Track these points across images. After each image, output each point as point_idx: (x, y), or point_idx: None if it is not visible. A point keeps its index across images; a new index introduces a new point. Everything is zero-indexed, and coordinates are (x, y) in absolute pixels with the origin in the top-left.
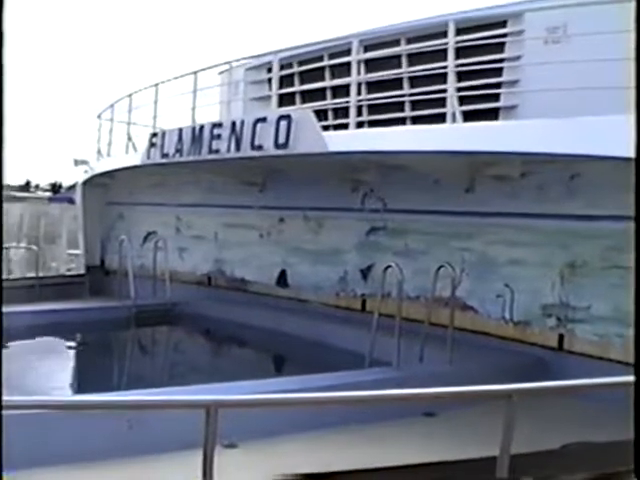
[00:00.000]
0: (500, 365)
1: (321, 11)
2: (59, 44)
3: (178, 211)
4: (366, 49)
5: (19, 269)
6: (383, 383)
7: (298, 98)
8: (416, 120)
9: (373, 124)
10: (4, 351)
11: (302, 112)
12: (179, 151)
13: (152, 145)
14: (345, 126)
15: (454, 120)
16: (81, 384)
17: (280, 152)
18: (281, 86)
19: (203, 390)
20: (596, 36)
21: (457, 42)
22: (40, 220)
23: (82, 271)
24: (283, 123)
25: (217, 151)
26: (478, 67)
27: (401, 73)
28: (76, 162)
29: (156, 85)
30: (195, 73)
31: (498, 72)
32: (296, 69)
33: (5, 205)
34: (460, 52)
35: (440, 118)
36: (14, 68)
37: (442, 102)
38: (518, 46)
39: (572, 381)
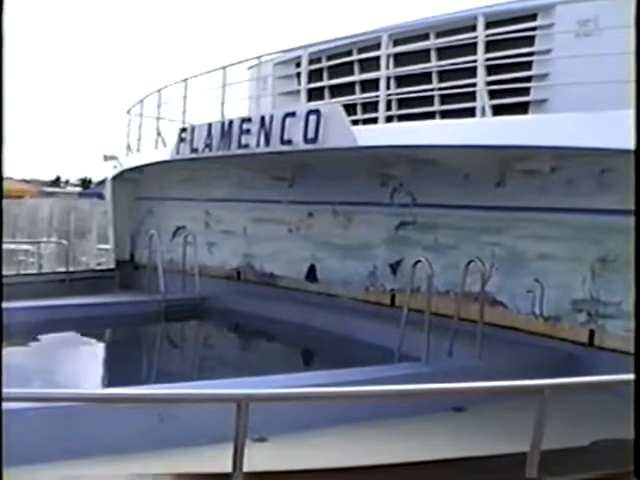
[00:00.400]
0: (530, 360)
1: (350, 5)
2: (90, 40)
3: (207, 206)
4: (395, 43)
5: (49, 264)
6: (412, 378)
7: (327, 93)
8: (445, 114)
9: (402, 118)
10: (35, 344)
11: (331, 106)
12: (208, 146)
13: (181, 140)
14: (374, 120)
15: (484, 114)
16: (111, 378)
17: (309, 147)
18: (310, 81)
19: (233, 384)
20: (628, 29)
21: (487, 35)
22: (70, 215)
23: (112, 266)
24: (312, 118)
25: (246, 146)
26: (508, 61)
27: (430, 67)
28: (106, 157)
29: (185, 80)
30: (224, 68)
31: (528, 65)
32: (325, 63)
33: (36, 200)
34: (490, 45)
35: (469, 112)
36: (45, 64)
37: (472, 96)
38: (548, 39)
39: (604, 377)
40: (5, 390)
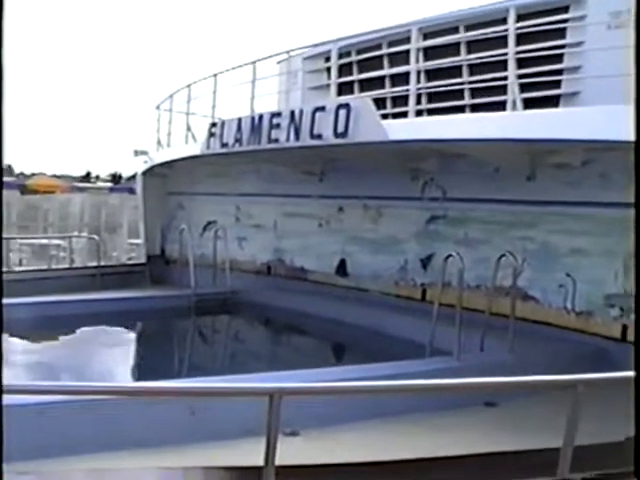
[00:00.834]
0: (561, 356)
1: None
2: (121, 36)
3: (237, 200)
4: (425, 37)
5: (80, 258)
6: (444, 372)
7: (356, 87)
8: (475, 108)
9: (432, 112)
10: (67, 339)
11: (361, 101)
12: (238, 141)
13: (211, 135)
14: (404, 114)
15: (515, 108)
16: (142, 371)
17: (339, 141)
18: (339, 75)
19: (265, 378)
20: None
21: (518, 28)
22: (101, 210)
23: (143, 260)
24: (342, 112)
25: (276, 140)
26: (539, 53)
27: (460, 60)
28: (136, 153)
29: (215, 75)
30: (254, 63)
31: (559, 58)
32: (354, 57)
33: (67, 195)
34: (521, 38)
35: (500, 106)
36: (77, 61)
37: (502, 89)
38: (580, 32)
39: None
40: (38, 383)
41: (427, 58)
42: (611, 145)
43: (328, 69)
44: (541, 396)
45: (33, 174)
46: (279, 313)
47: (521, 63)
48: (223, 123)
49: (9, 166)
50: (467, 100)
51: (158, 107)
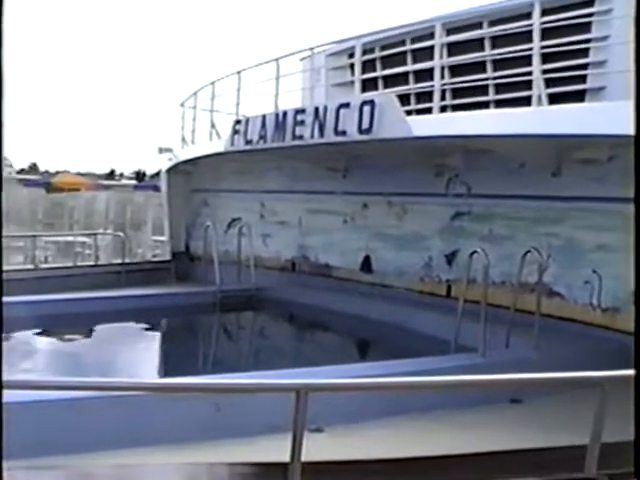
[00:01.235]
0: (588, 352)
1: None
2: (145, 33)
3: (262, 197)
4: (449, 32)
5: (105, 255)
6: (469, 369)
7: (380, 83)
8: (500, 103)
9: (456, 108)
10: (93, 335)
11: (386, 97)
12: (263, 137)
13: (236, 132)
14: (428, 110)
15: (540, 103)
16: (167, 368)
17: (364, 137)
18: (363, 71)
19: (290, 374)
20: None
21: (542, 23)
22: (126, 207)
23: (167, 257)
24: (366, 108)
25: (301, 137)
26: (564, 48)
27: (484, 56)
28: (161, 150)
29: (239, 72)
30: (277, 60)
31: (585, 53)
32: (378, 54)
33: (92, 193)
34: (545, 33)
35: (525, 101)
36: (101, 59)
37: (527, 85)
38: (606, 26)
39: None
40: (64, 379)
41: (451, 54)
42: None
43: (352, 65)
44: (567, 393)
45: (58, 172)
46: (303, 310)
47: (546, 58)
48: (247, 120)
49: (34, 164)
50: (491, 96)
51: (182, 104)
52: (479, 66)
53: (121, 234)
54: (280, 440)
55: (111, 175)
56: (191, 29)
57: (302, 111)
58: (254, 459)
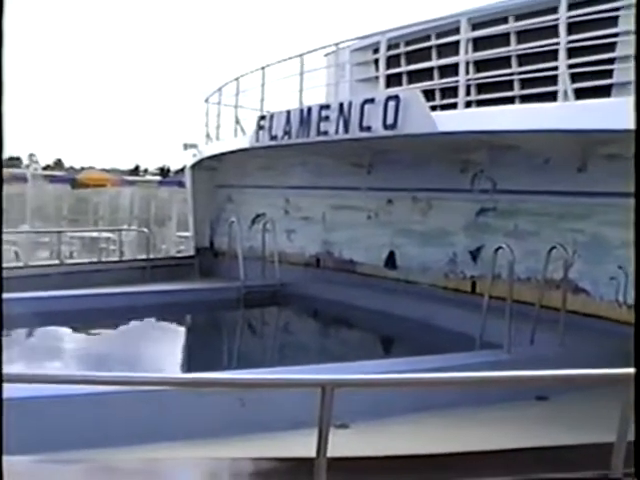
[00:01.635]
0: (613, 349)
1: None
2: (169, 29)
3: (286, 193)
4: (474, 27)
5: (130, 251)
6: (494, 365)
7: (405, 78)
8: (525, 99)
9: (481, 103)
10: (118, 330)
11: (410, 92)
12: (287, 133)
13: (260, 128)
14: (453, 106)
15: (566, 98)
16: (191, 363)
17: (388, 133)
18: (388, 67)
19: (314, 370)
20: None
21: (569, 17)
22: (150, 203)
23: (192, 253)
24: (391, 104)
25: (325, 133)
26: (590, 42)
27: (510, 51)
28: (185, 146)
29: (263, 68)
30: (301, 56)
31: (611, 47)
32: (403, 49)
33: (116, 189)
34: (572, 28)
35: (551, 96)
36: (125, 54)
37: (553, 80)
38: (633, 19)
39: None
40: (90, 373)
41: (476, 49)
42: None
43: (376, 61)
44: (593, 390)
45: (83, 168)
46: (328, 305)
47: (572, 53)
48: (272, 116)
49: (59, 160)
50: (517, 91)
51: (207, 100)
52: (504, 61)
53: (145, 230)
54: (305, 436)
55: (135, 171)
56: (216, 25)
57: (327, 107)
58: (278, 454)
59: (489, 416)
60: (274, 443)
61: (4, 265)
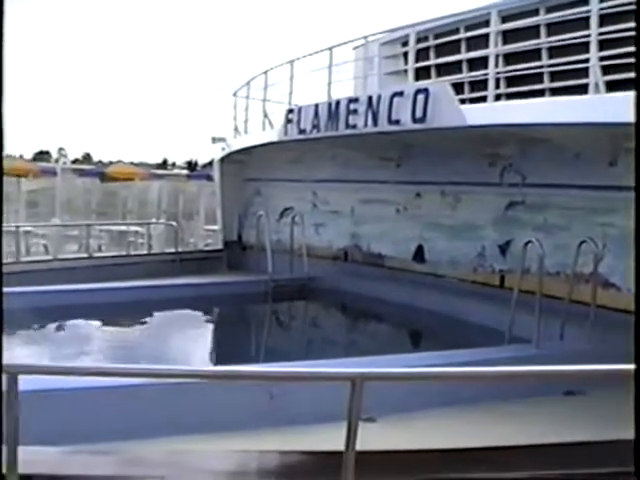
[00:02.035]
0: None
1: None
2: (197, 23)
3: (314, 187)
4: (503, 20)
5: (158, 244)
6: (522, 360)
7: (433, 72)
8: (555, 91)
9: (510, 96)
10: (146, 323)
11: (440, 85)
12: (316, 127)
13: (289, 121)
14: (482, 99)
15: (597, 91)
16: (219, 356)
17: (417, 126)
18: (416, 60)
19: (343, 363)
20: None
21: (600, 9)
22: (178, 197)
23: (220, 246)
24: (420, 97)
25: (354, 126)
26: (622, 34)
27: (540, 43)
28: (214, 140)
29: (291, 62)
30: (330, 49)
31: None
32: (431, 42)
33: (145, 182)
34: (603, 19)
35: (582, 89)
36: (153, 48)
37: (584, 72)
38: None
39: None
40: (120, 366)
41: (506, 41)
42: None
43: (405, 54)
44: (623, 386)
45: (111, 162)
46: (356, 299)
47: (603, 45)
48: (300, 109)
49: (88, 154)
50: (547, 84)
51: (235, 94)
52: (534, 53)
53: (174, 223)
54: (332, 429)
55: (163, 165)
56: (246, 18)
57: (355, 100)
58: (306, 448)
59: (517, 411)
60: (302, 436)
61: (33, 258)
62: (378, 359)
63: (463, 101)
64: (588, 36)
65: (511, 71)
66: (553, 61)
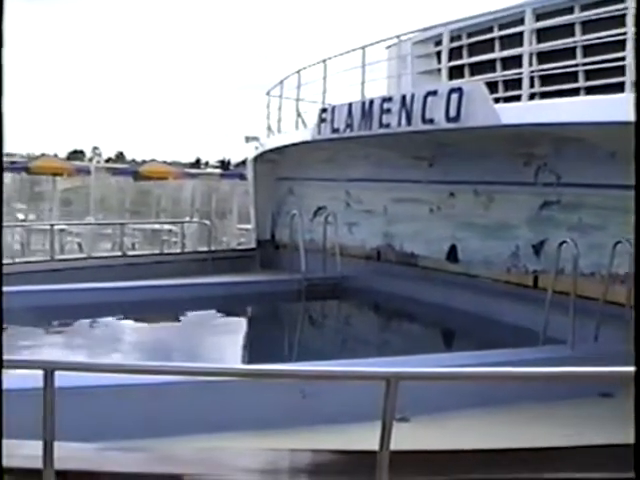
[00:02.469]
0: None
1: None
2: (232, 20)
3: (347, 186)
4: (538, 18)
5: (191, 243)
6: (557, 361)
7: (467, 71)
8: (590, 90)
9: (545, 95)
10: (180, 321)
11: (474, 84)
12: (349, 126)
13: (322, 120)
14: (516, 98)
15: (633, 89)
16: (252, 354)
17: (451, 125)
18: (450, 59)
19: (377, 363)
20: None
21: (637, 7)
22: (211, 196)
23: (253, 245)
24: (454, 96)
25: (387, 125)
26: None
27: (575, 42)
28: (247, 139)
29: (324, 61)
30: (363, 48)
31: None
32: (465, 41)
33: (178, 181)
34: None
35: (617, 88)
36: (187, 48)
37: (620, 71)
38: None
39: None
40: (153, 363)
41: (540, 40)
42: None
43: (438, 53)
44: None
45: (144, 161)
46: (389, 299)
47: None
48: (333, 108)
49: (121, 153)
50: (581, 82)
51: (268, 93)
52: (569, 52)
53: (207, 222)
54: (365, 429)
55: (196, 164)
56: (279, 17)
57: (389, 99)
58: (338, 447)
59: (552, 412)
60: (334, 436)
61: (68, 256)
62: (411, 359)
63: (497, 100)
64: (624, 34)
65: (545, 70)
66: (588, 59)
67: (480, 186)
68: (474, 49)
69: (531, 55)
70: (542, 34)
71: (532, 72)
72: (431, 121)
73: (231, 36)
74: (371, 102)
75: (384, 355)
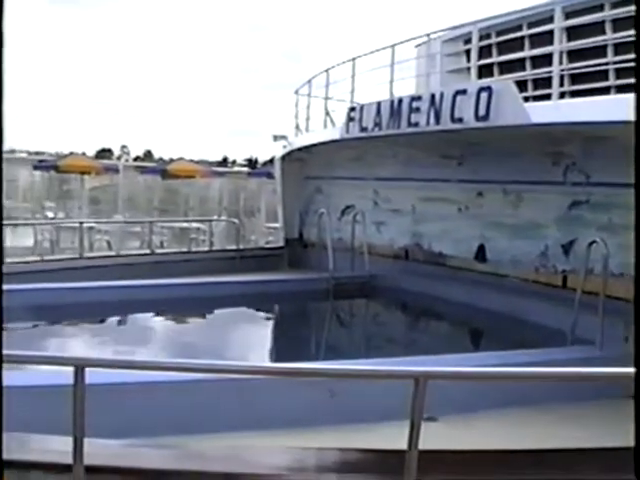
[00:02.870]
0: None
1: None
2: (259, 21)
3: (375, 185)
4: (567, 16)
5: (219, 241)
6: (585, 362)
7: (496, 69)
8: (621, 89)
9: (575, 94)
10: (208, 319)
11: (503, 83)
12: (378, 125)
13: (350, 119)
14: (545, 97)
15: None
16: (280, 353)
17: (481, 124)
18: (479, 57)
19: (405, 362)
20: None
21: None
22: (239, 194)
23: (280, 244)
24: (484, 95)
25: (416, 124)
26: None
27: (605, 40)
28: (275, 137)
29: (353, 59)
30: (392, 47)
31: None
32: (494, 39)
33: (206, 180)
34: None
35: None
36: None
37: None
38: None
39: None
40: (181, 360)
41: (570, 38)
42: None
43: (467, 52)
44: None
45: (172, 159)
46: (417, 298)
47: None
48: (362, 107)
49: (149, 152)
50: (612, 81)
51: (297, 92)
52: (599, 50)
53: (235, 220)
54: (393, 428)
55: (224, 162)
56: (308, 16)
57: (418, 98)
58: (365, 445)
59: (579, 413)
60: (362, 434)
61: (97, 254)
62: (439, 358)
63: (527, 99)
64: None
65: (576, 68)
66: (619, 58)
67: (509, 185)
68: (503, 47)
69: (561, 53)
70: (572, 32)
71: (562, 70)
72: (460, 120)
73: (262, 35)
74: (400, 101)
75: (411, 354)
